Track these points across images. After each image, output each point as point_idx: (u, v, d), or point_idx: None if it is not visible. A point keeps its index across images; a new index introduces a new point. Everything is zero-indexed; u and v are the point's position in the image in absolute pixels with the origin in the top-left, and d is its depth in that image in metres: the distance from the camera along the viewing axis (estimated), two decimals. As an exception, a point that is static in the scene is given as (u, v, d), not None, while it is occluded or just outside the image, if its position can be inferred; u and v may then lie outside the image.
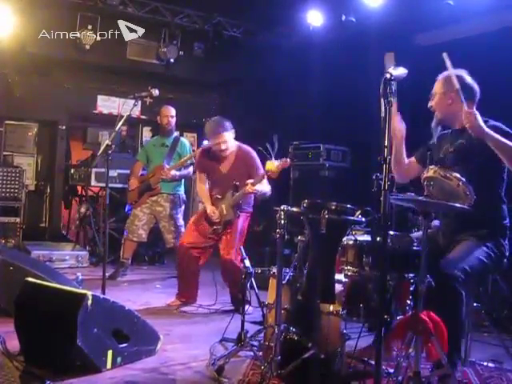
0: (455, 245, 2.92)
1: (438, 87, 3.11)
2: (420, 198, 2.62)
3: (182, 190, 5.88)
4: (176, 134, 6.06)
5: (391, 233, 2.94)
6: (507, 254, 2.96)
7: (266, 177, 4.18)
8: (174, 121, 5.88)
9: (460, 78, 3.00)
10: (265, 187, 4.42)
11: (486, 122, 2.98)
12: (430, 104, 3.15)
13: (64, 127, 7.91)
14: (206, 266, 5.04)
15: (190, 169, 5.84)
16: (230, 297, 4.60)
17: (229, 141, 4.43)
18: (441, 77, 3.12)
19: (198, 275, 4.69)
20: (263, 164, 4.15)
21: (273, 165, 3.88)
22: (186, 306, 4.60)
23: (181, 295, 4.69)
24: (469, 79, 3.06)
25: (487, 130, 2.77)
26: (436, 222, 3.15)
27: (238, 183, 4.27)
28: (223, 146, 4.41)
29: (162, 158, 5.73)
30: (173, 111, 5.87)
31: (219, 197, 4.52)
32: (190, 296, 4.69)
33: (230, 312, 4.21)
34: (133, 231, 5.72)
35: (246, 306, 4.15)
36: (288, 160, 3.90)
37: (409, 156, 3.25)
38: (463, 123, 2.89)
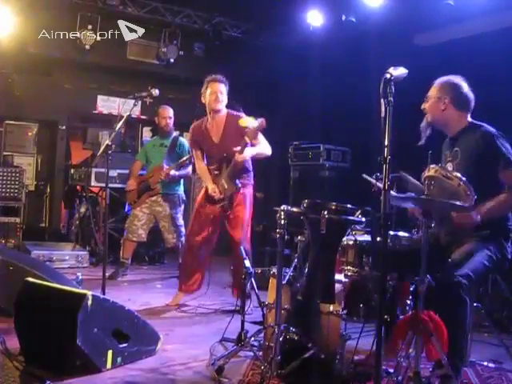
0: (457, 246, 2.91)
1: (433, 91, 3.12)
2: (420, 196, 2.62)
3: (181, 190, 5.88)
4: (175, 133, 6.05)
5: (391, 233, 2.94)
6: (510, 256, 2.94)
7: (258, 135, 4.13)
8: (172, 121, 5.87)
9: (456, 87, 3.01)
10: (261, 147, 4.33)
11: (480, 126, 2.99)
12: (423, 106, 3.16)
13: (64, 127, 7.92)
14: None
15: (189, 169, 5.84)
16: (235, 291, 4.54)
17: (224, 94, 4.43)
18: (438, 82, 3.13)
19: (204, 264, 4.59)
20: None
21: (248, 121, 3.96)
22: (186, 307, 4.60)
23: (182, 287, 4.62)
24: (465, 88, 3.07)
25: (479, 218, 2.79)
26: None
27: (225, 154, 4.25)
28: (220, 97, 4.39)
29: (161, 158, 5.73)
30: (171, 112, 5.85)
31: (217, 172, 4.43)
32: (194, 284, 4.60)
33: (230, 312, 4.20)
34: (132, 231, 5.72)
35: (247, 306, 4.16)
36: (263, 119, 3.95)
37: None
38: (455, 132, 2.97)
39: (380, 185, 2.96)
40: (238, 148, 4.15)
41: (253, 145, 4.22)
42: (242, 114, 4.45)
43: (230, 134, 4.37)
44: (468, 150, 2.96)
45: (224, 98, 4.43)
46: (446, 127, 3.13)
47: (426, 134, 3.16)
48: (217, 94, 4.40)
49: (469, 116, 3.09)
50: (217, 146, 4.45)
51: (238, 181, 4.32)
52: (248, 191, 4.49)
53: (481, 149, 2.91)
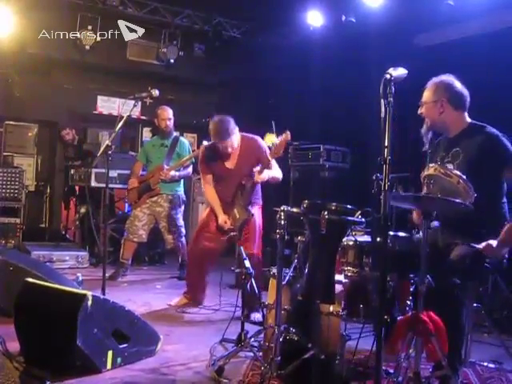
0: (454, 246, 2.92)
1: (428, 95, 3.10)
2: (419, 194, 2.62)
3: (181, 190, 5.88)
4: (176, 133, 6.05)
5: (391, 233, 2.94)
6: (507, 256, 2.95)
7: (273, 159, 4.03)
8: (172, 122, 5.85)
9: (451, 87, 3.00)
10: (275, 172, 4.24)
11: (483, 127, 2.99)
12: (419, 111, 3.13)
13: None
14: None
15: (190, 169, 5.84)
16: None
17: (235, 141, 4.30)
18: (430, 84, 3.11)
19: (205, 278, 4.60)
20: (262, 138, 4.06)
21: (272, 137, 3.86)
22: (186, 307, 4.60)
23: (187, 294, 4.66)
24: (459, 85, 3.06)
25: (499, 245, 2.78)
26: (436, 223, 3.15)
27: (243, 182, 4.12)
28: (230, 150, 4.28)
29: (161, 158, 5.73)
30: (170, 113, 5.83)
31: (229, 199, 4.28)
32: (196, 298, 4.64)
33: (230, 312, 4.19)
34: (133, 232, 5.72)
35: (255, 314, 4.14)
36: (288, 132, 3.79)
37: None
38: (456, 132, 2.97)
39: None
40: (258, 168, 4.04)
41: (268, 168, 4.11)
42: (257, 137, 4.37)
43: (246, 158, 4.26)
44: (472, 151, 2.94)
45: (235, 145, 4.28)
46: (446, 129, 3.12)
47: (427, 138, 3.15)
48: (227, 149, 4.26)
49: (466, 115, 3.07)
50: (232, 172, 4.32)
51: (250, 207, 4.18)
52: (258, 210, 4.41)
53: (487, 150, 2.89)
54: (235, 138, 4.29)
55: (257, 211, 4.35)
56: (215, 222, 4.38)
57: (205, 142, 4.66)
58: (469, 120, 3.09)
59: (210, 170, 4.48)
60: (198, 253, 4.50)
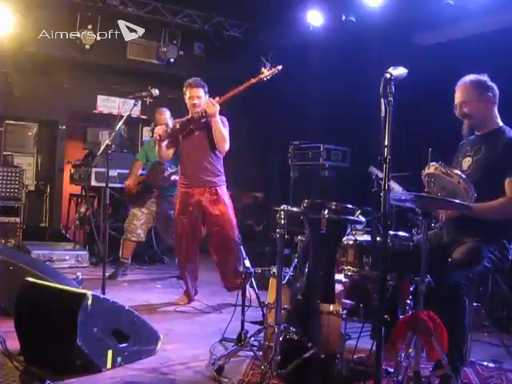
0: (458, 246, 2.91)
1: (468, 93, 3.02)
2: (420, 194, 2.62)
3: (180, 190, 5.87)
4: None
5: (391, 232, 2.94)
6: (511, 257, 2.94)
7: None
8: (170, 124, 5.81)
9: (487, 84, 3.02)
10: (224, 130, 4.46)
11: (508, 131, 2.98)
12: (462, 111, 3.04)
13: (64, 127, 7.92)
14: (207, 267, 5.05)
15: None
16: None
17: (202, 98, 4.53)
18: (468, 83, 3.04)
19: (192, 271, 4.68)
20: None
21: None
22: (186, 306, 4.60)
23: (185, 293, 4.74)
24: (490, 82, 3.06)
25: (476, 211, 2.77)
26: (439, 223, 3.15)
27: None
28: (196, 101, 4.51)
29: None
30: (167, 116, 5.78)
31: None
32: (189, 295, 4.72)
33: (230, 312, 4.19)
34: (131, 231, 5.72)
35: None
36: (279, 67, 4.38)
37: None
38: (488, 130, 2.98)
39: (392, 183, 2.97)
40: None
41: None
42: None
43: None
44: (491, 151, 2.94)
45: (201, 102, 4.51)
46: (484, 125, 3.07)
47: (468, 138, 3.14)
48: (194, 99, 4.50)
49: (496, 108, 3.05)
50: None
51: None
52: (223, 190, 4.57)
53: (500, 154, 2.89)
54: (203, 94, 4.56)
55: (224, 192, 4.58)
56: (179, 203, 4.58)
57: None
58: (501, 123, 3.07)
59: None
60: (176, 238, 4.66)
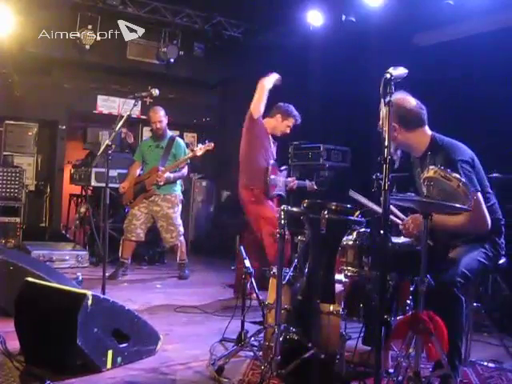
0: (452, 248, 2.92)
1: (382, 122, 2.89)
2: (419, 198, 2.62)
3: (178, 190, 5.87)
4: (171, 133, 5.98)
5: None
6: (503, 252, 2.95)
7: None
8: (164, 123, 5.80)
9: (399, 108, 2.86)
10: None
11: (442, 148, 2.92)
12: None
13: (64, 127, 7.93)
14: (206, 267, 5.04)
15: (185, 170, 5.84)
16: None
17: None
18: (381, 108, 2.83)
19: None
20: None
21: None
22: (186, 306, 4.60)
23: None
24: (408, 104, 2.93)
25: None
26: None
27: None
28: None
29: (157, 159, 5.72)
30: (161, 115, 5.77)
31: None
32: None
33: (230, 312, 4.19)
34: (131, 231, 5.72)
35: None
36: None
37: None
38: (422, 151, 2.93)
39: (372, 205, 2.97)
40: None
41: None
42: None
43: None
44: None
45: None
46: (411, 150, 3.06)
47: (397, 157, 3.04)
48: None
49: (427, 129, 2.97)
50: None
51: None
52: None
53: (449, 166, 2.85)
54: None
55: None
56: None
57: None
58: (429, 133, 2.99)
59: None
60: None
